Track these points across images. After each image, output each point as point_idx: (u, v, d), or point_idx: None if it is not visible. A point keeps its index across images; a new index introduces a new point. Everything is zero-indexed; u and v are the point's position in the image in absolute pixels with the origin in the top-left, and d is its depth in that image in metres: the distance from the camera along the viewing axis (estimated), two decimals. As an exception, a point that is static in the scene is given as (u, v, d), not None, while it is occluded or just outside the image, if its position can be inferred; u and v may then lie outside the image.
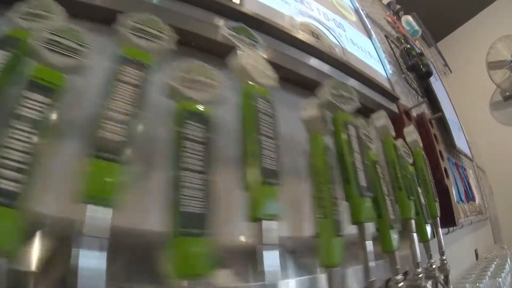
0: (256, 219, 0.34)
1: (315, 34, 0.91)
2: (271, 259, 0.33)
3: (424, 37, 2.40)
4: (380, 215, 0.50)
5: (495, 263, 1.34)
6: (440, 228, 0.75)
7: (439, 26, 2.64)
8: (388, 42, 1.58)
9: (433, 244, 0.71)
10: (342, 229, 0.40)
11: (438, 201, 0.77)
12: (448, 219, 1.07)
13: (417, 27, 1.81)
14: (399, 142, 0.69)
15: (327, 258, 0.38)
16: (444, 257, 0.72)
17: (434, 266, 0.65)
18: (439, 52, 2.44)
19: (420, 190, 0.69)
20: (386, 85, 1.07)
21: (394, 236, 0.50)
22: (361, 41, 1.19)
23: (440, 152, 1.13)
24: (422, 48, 1.96)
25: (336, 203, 0.41)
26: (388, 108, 0.99)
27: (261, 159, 0.36)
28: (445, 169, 1.12)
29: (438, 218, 0.76)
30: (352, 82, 0.85)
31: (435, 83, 1.75)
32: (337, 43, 1.00)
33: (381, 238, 0.50)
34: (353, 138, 0.47)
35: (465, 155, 1.82)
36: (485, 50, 2.47)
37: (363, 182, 0.45)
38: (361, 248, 0.44)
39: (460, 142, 1.73)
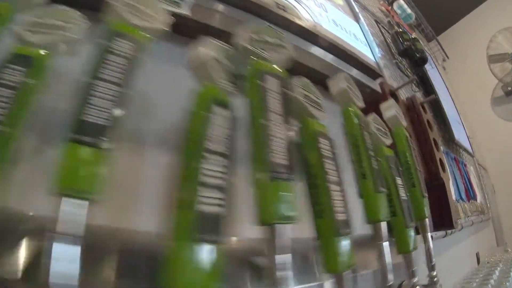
0: (57, 194, 0.19)
1: (280, 6, 0.74)
2: (63, 259, 0.18)
3: (422, 29, 2.18)
4: (320, 214, 0.30)
5: (498, 269, 1.12)
6: (429, 233, 0.54)
7: (438, 20, 2.41)
8: (378, 27, 1.37)
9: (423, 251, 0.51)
10: (215, 229, 0.21)
11: (427, 196, 0.56)
12: (445, 221, 0.86)
13: (409, 11, 1.59)
14: (372, 117, 0.49)
15: (172, 275, 0.19)
16: (434, 273, 0.50)
17: None
18: (439, 43, 2.21)
19: (400, 182, 0.49)
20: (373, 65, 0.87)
21: (342, 247, 0.29)
22: (346, 23, 1.02)
23: (435, 140, 0.91)
24: (417, 37, 1.73)
25: (214, 185, 0.22)
26: (370, 87, 0.78)
27: (83, 109, 0.21)
28: (441, 161, 0.90)
29: (427, 220, 0.54)
30: (317, 51, 0.65)
31: (431, 71, 1.53)
32: (311, 18, 0.82)
33: (321, 250, 0.30)
34: (270, 93, 0.28)
35: (465, 150, 1.59)
36: (485, 44, 2.25)
37: (279, 159, 0.25)
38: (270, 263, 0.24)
39: (460, 135, 1.51)
